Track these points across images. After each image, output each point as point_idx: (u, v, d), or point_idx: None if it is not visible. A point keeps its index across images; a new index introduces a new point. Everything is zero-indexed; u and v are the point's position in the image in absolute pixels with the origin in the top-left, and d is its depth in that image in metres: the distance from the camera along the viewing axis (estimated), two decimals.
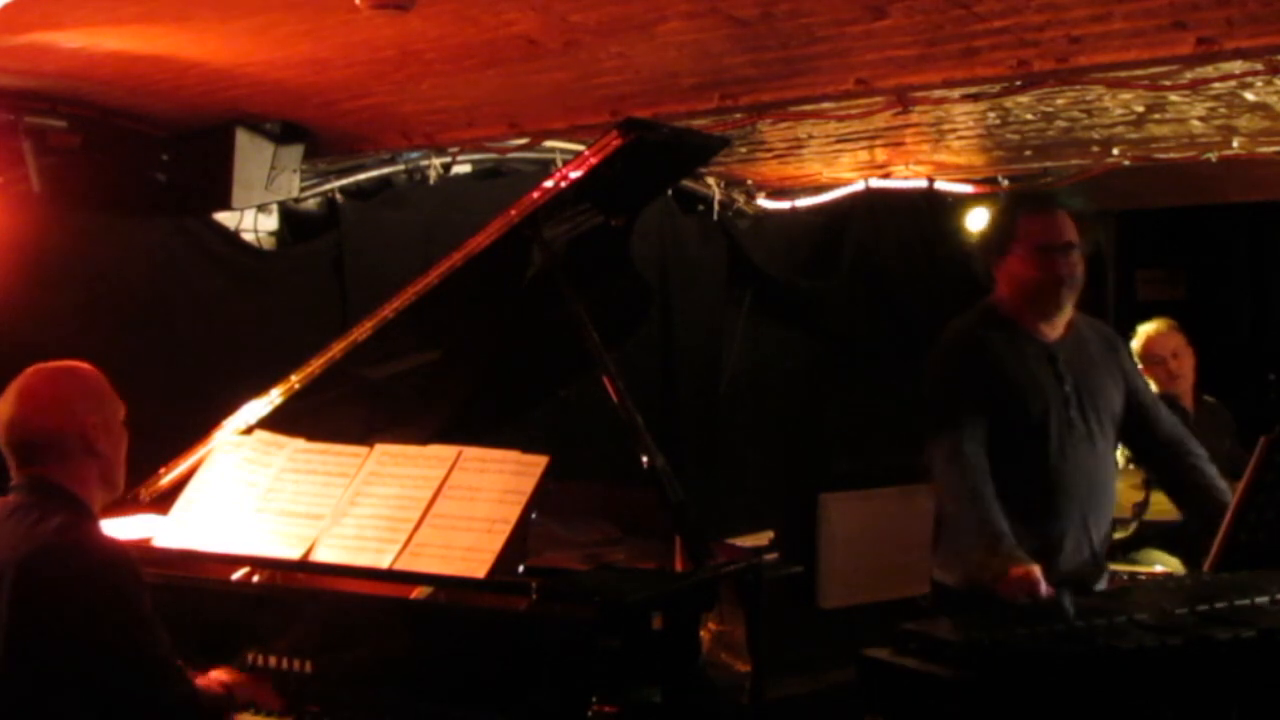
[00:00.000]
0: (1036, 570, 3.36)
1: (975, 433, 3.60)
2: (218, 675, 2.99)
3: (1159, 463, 3.94)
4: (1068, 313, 3.73)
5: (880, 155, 6.44)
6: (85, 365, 2.93)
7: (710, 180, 7.05)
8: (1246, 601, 3.25)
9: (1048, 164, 6.51)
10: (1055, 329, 3.72)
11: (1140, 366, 5.47)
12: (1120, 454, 4.61)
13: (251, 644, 3.10)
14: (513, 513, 3.06)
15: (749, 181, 7.22)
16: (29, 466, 2.80)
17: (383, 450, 3.35)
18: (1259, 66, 4.17)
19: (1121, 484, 4.50)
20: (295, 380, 3.57)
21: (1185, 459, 3.83)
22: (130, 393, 2.97)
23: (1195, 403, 5.51)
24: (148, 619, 2.68)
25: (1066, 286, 3.67)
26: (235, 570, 3.39)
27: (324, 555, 3.19)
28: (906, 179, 6.94)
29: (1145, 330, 5.51)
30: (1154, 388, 5.43)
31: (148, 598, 2.70)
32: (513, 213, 3.37)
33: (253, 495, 3.39)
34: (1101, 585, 3.74)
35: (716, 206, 7.13)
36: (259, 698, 3.02)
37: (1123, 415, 3.80)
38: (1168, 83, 4.57)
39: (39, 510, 2.73)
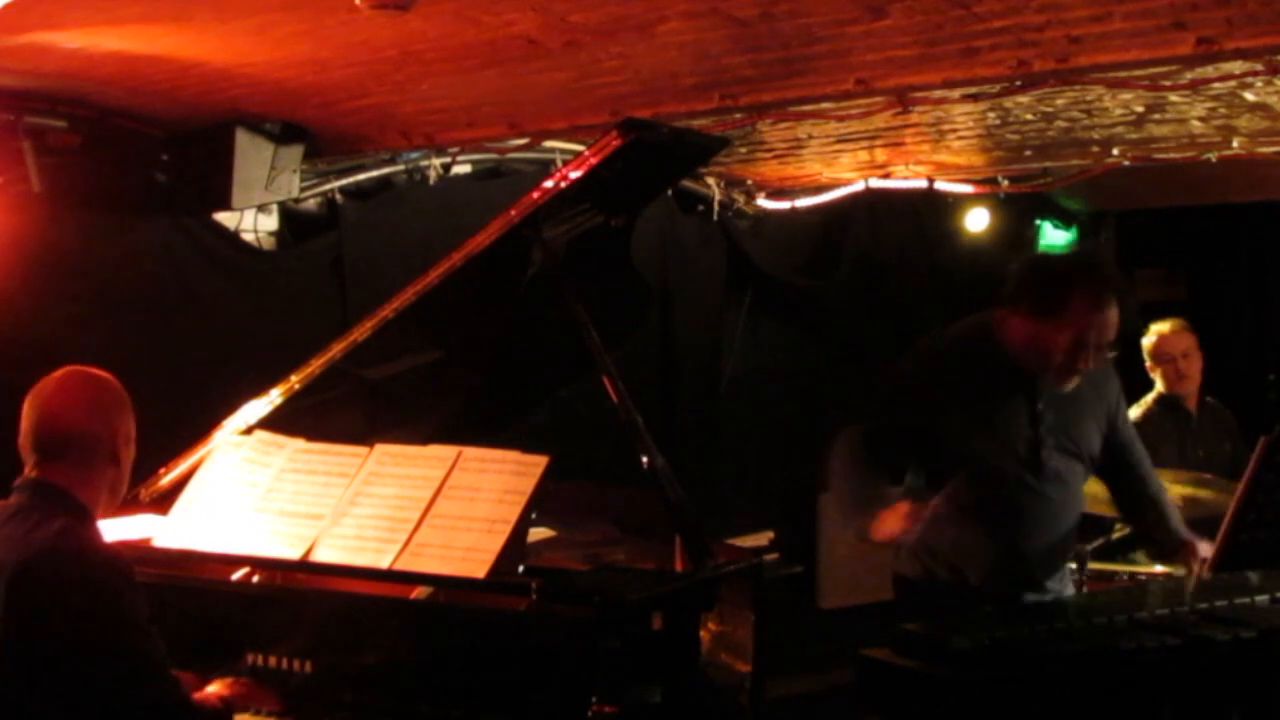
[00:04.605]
0: (905, 506, 3.42)
1: (881, 448, 3.64)
2: (214, 690, 2.98)
3: (1121, 493, 3.92)
4: None
5: (880, 155, 6.43)
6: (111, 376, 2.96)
7: (710, 180, 7.05)
8: (1246, 601, 3.26)
9: (1048, 164, 6.51)
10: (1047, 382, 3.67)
11: (1149, 364, 5.49)
12: None
13: (251, 644, 3.10)
14: (513, 513, 3.06)
15: (749, 181, 7.22)
16: (47, 464, 2.80)
17: (383, 450, 3.35)
18: (1259, 66, 4.17)
19: None
20: (295, 380, 3.57)
21: (1146, 493, 3.86)
22: (130, 393, 2.97)
23: (1199, 405, 5.51)
24: (142, 624, 2.68)
25: (1077, 374, 3.59)
26: (235, 570, 3.39)
27: (324, 555, 3.19)
28: (906, 179, 6.94)
29: (1158, 328, 5.51)
30: (1160, 386, 5.47)
31: (143, 603, 2.70)
32: (513, 213, 3.37)
33: (253, 495, 3.39)
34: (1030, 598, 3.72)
35: (716, 206, 7.12)
36: (257, 701, 3.02)
37: (1102, 445, 3.79)
38: (1168, 83, 4.57)
39: (39, 514, 2.72)
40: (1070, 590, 3.87)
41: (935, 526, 3.59)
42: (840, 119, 5.33)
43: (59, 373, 2.89)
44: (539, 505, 3.11)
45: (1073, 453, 3.69)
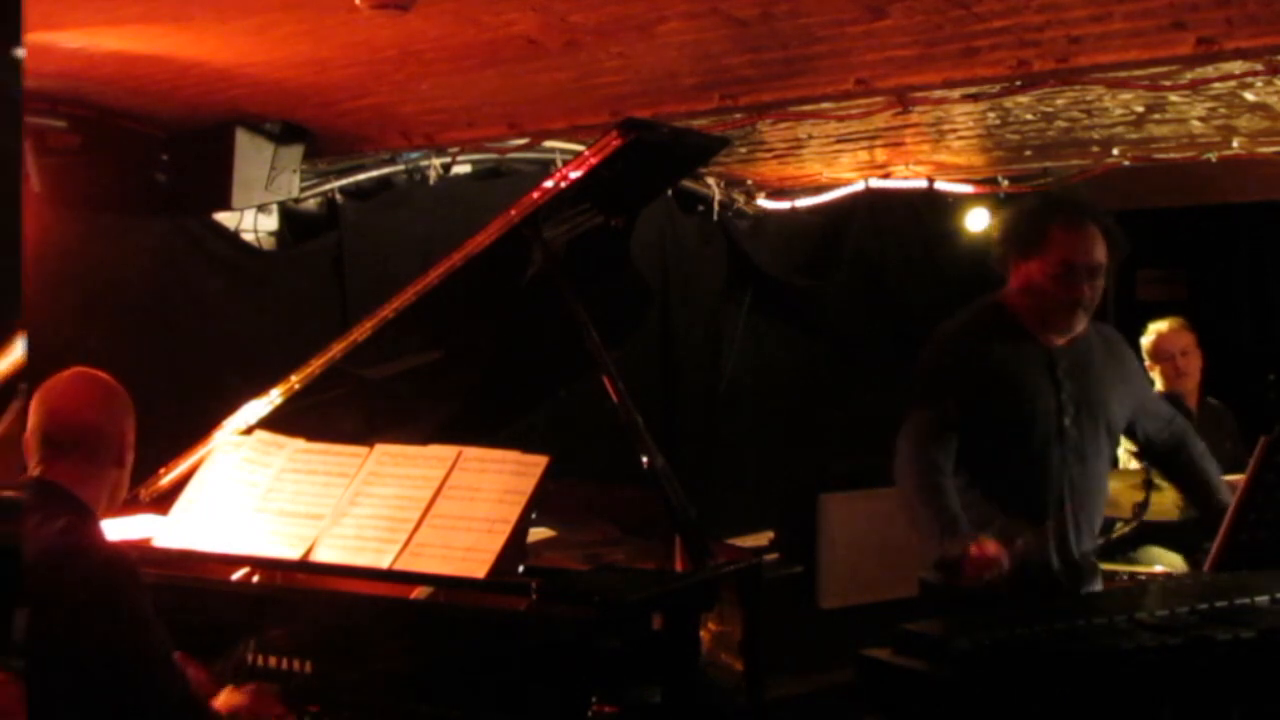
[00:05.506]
0: (993, 546, 3.34)
1: (944, 428, 3.58)
2: (221, 701, 2.98)
3: (1163, 462, 3.92)
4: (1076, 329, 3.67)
5: (880, 155, 6.44)
6: None
7: (710, 180, 7.05)
8: (1246, 601, 3.25)
9: (1048, 164, 6.51)
10: (1060, 336, 3.67)
11: (1148, 362, 5.49)
12: (1123, 450, 4.61)
13: (251, 644, 3.10)
14: (513, 513, 3.06)
15: (749, 181, 7.22)
16: (53, 461, 2.81)
17: (383, 450, 3.35)
18: (1259, 66, 4.17)
19: (1121, 484, 4.50)
20: (295, 380, 3.57)
21: (1189, 459, 3.84)
22: (131, 393, 2.97)
23: (1199, 404, 5.51)
24: (148, 620, 2.69)
25: (1082, 309, 3.59)
26: (235, 570, 3.39)
27: (324, 555, 3.19)
28: (906, 179, 6.94)
29: (1156, 327, 5.52)
30: (1159, 385, 5.47)
31: (147, 599, 2.71)
32: (513, 213, 3.37)
33: (253, 495, 3.39)
34: (1089, 589, 3.70)
35: (716, 206, 7.13)
36: (261, 710, 3.02)
37: (1127, 421, 3.76)
38: (1168, 83, 4.57)
39: (41, 513, 2.73)
40: (1099, 586, 3.83)
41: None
42: (840, 119, 5.33)
43: (67, 372, 2.91)
44: (539, 505, 3.11)
45: (1095, 422, 3.66)
